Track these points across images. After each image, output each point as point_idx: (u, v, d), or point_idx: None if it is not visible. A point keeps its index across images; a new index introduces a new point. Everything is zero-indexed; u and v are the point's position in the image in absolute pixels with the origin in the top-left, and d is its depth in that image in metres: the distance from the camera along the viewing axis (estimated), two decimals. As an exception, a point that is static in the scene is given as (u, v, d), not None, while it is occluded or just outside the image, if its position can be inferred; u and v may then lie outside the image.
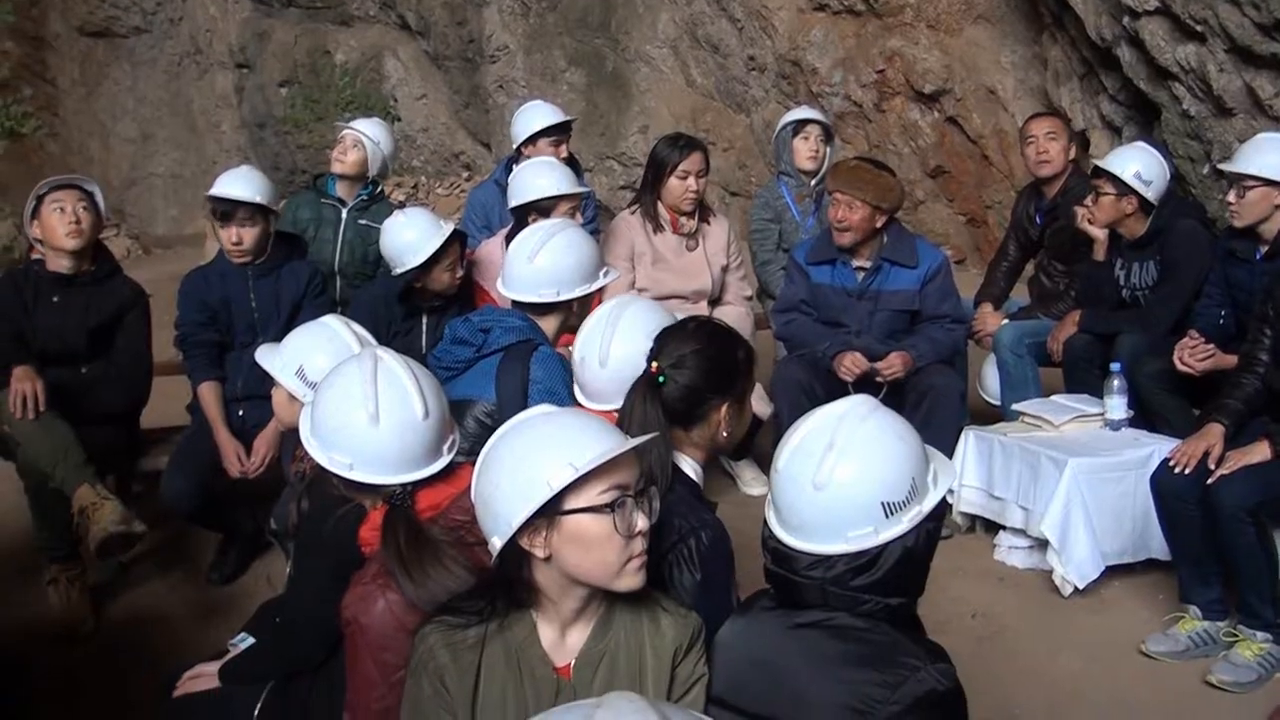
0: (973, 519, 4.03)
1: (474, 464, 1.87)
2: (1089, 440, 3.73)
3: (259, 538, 3.82)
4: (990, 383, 4.56)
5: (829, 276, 4.20)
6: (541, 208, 3.92)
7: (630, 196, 8.74)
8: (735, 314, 4.43)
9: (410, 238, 3.78)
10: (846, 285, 4.17)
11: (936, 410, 3.97)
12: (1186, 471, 3.17)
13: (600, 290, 3.11)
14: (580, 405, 2.48)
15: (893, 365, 4.06)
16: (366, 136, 4.65)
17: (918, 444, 1.87)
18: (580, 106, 9.56)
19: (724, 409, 2.21)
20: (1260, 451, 3.08)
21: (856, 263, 4.20)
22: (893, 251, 4.17)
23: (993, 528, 3.93)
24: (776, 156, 5.15)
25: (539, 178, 4.00)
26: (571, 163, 4.55)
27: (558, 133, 4.65)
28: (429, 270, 3.79)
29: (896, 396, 4.06)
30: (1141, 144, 4.20)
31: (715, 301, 4.53)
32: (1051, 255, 4.56)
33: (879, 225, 4.14)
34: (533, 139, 4.60)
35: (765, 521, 1.88)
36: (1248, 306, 3.59)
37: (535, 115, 4.69)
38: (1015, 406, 4.08)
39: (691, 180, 4.35)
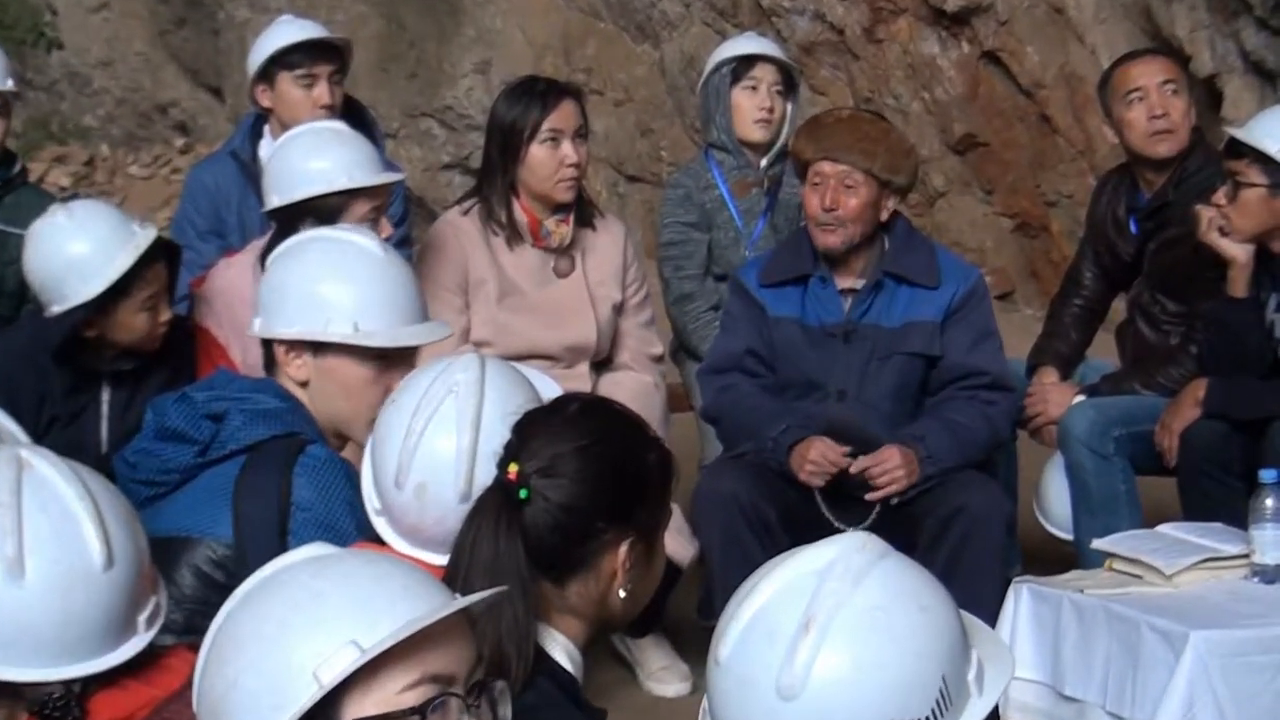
0: (1032, 733, 4.06)
1: (194, 648, 1.85)
2: (1225, 601, 3.74)
3: None
4: (1055, 502, 4.62)
5: (797, 305, 4.27)
6: (321, 209, 3.94)
7: (462, 183, 8.65)
8: (636, 386, 4.46)
9: (78, 253, 3.77)
10: (826, 319, 4.24)
11: (969, 550, 4.02)
12: None
13: (414, 350, 3.15)
14: (379, 546, 2.53)
15: (888, 470, 4.08)
16: None
17: (951, 617, 1.86)
18: (375, 28, 9.57)
19: (622, 550, 2.24)
20: None
21: (842, 282, 4.27)
22: (900, 262, 4.24)
23: (1066, 746, 3.94)
24: (704, 117, 5.19)
25: (314, 157, 4.03)
26: (357, 123, 4.53)
27: (319, 60, 4.65)
28: (111, 309, 3.78)
29: (903, 523, 4.07)
30: (1311, 105, 4.35)
31: (604, 363, 4.56)
32: (1158, 287, 4.66)
33: (885, 217, 4.22)
34: (268, 71, 4.64)
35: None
36: None
37: (276, 34, 4.73)
38: (1098, 544, 4.07)
39: (567, 147, 4.39)
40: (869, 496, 4.13)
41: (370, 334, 3.08)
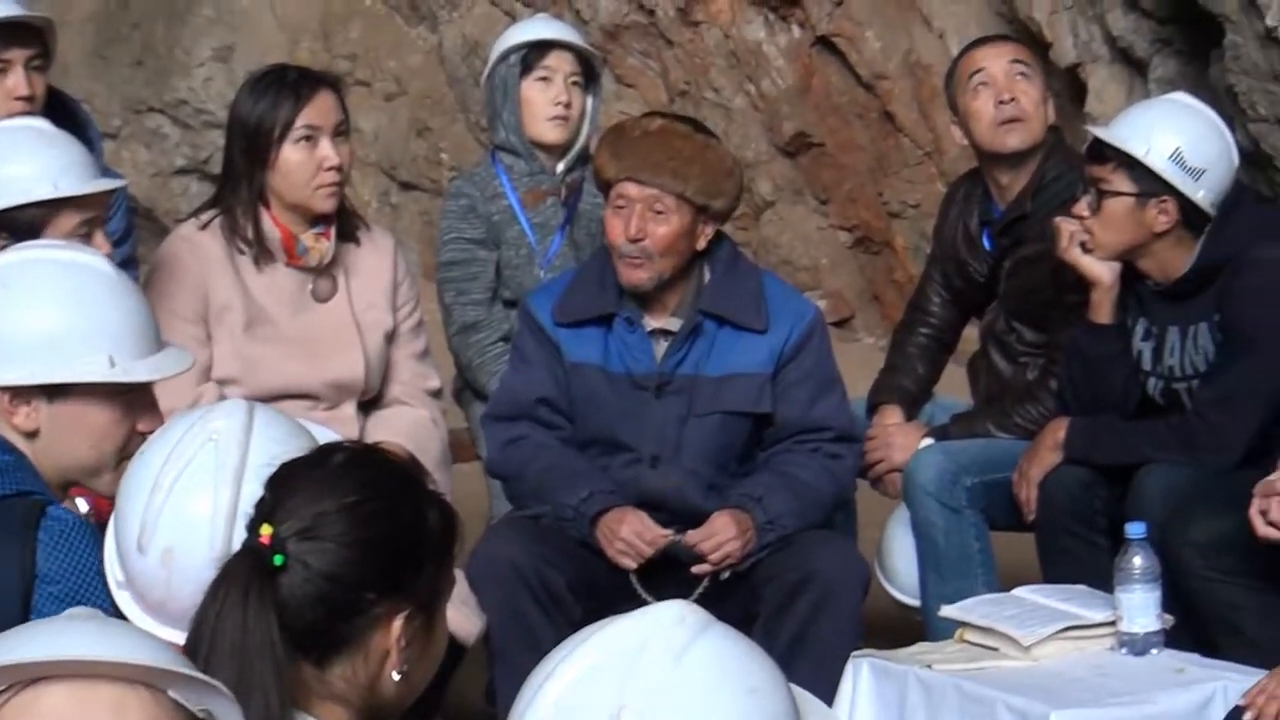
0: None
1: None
2: (1089, 676, 3.83)
3: None
4: (900, 563, 4.69)
5: (599, 349, 4.28)
6: (19, 223, 3.87)
7: (199, 191, 8.52)
8: (410, 423, 4.47)
9: None
10: (634, 368, 4.26)
11: (820, 621, 4.06)
12: None
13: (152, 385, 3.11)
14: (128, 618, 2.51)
15: (719, 544, 4.12)
16: None
17: (784, 700, 1.89)
18: (90, 6, 9.43)
19: (396, 625, 2.23)
20: None
21: (653, 322, 4.30)
22: (722, 300, 4.27)
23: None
24: (490, 114, 5.20)
25: (9, 161, 3.94)
26: (65, 120, 4.46)
27: (12, 43, 4.55)
28: None
29: (740, 591, 4.12)
30: (1184, 98, 4.46)
31: (372, 402, 4.55)
32: (1014, 314, 4.77)
33: (702, 246, 4.25)
34: None
35: None
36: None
37: None
38: (947, 611, 4.17)
39: (326, 147, 4.37)
40: (696, 570, 4.16)
41: (128, 369, 3.05)
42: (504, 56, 5.13)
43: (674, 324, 4.28)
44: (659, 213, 4.17)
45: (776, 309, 4.30)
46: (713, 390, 4.24)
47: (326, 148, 4.34)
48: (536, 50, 5.10)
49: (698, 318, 4.25)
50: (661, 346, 4.27)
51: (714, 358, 4.26)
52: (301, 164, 4.35)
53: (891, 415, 4.84)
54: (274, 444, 2.51)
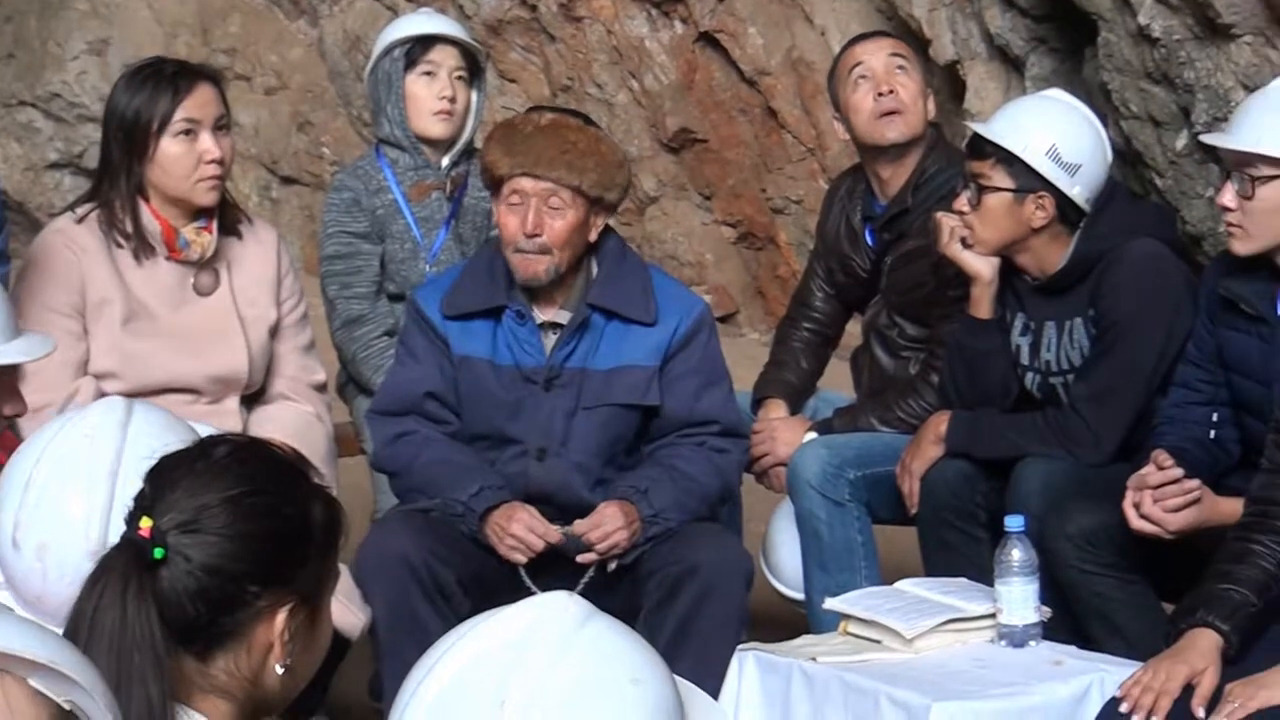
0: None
1: None
2: (970, 668, 3.87)
3: None
4: (784, 556, 4.72)
5: (488, 343, 4.29)
6: None
7: (74, 185, 8.46)
8: (295, 419, 4.46)
9: None
10: (523, 361, 4.27)
11: (703, 614, 4.08)
12: None
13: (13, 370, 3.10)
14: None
15: (606, 533, 4.14)
16: None
17: (666, 689, 1.90)
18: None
19: (279, 618, 2.22)
20: None
21: (542, 314, 4.30)
22: (610, 293, 4.29)
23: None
24: (374, 109, 5.19)
25: None
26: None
27: None
28: None
29: (623, 585, 4.14)
30: (1061, 95, 4.51)
31: (255, 397, 4.53)
32: (896, 308, 4.80)
33: (594, 237, 4.28)
34: None
35: None
36: (1260, 405, 3.86)
37: None
38: (831, 604, 4.19)
39: (206, 140, 4.33)
40: (581, 558, 4.16)
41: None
42: (387, 51, 5.11)
43: (563, 317, 4.28)
44: (555, 207, 4.18)
45: (665, 302, 4.32)
46: (601, 383, 4.25)
47: (207, 141, 4.32)
48: (420, 45, 5.09)
49: (586, 311, 4.26)
50: (550, 340, 4.28)
51: (602, 351, 4.27)
52: (181, 157, 4.31)
53: (776, 410, 4.87)
54: (152, 439, 2.49)
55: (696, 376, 4.31)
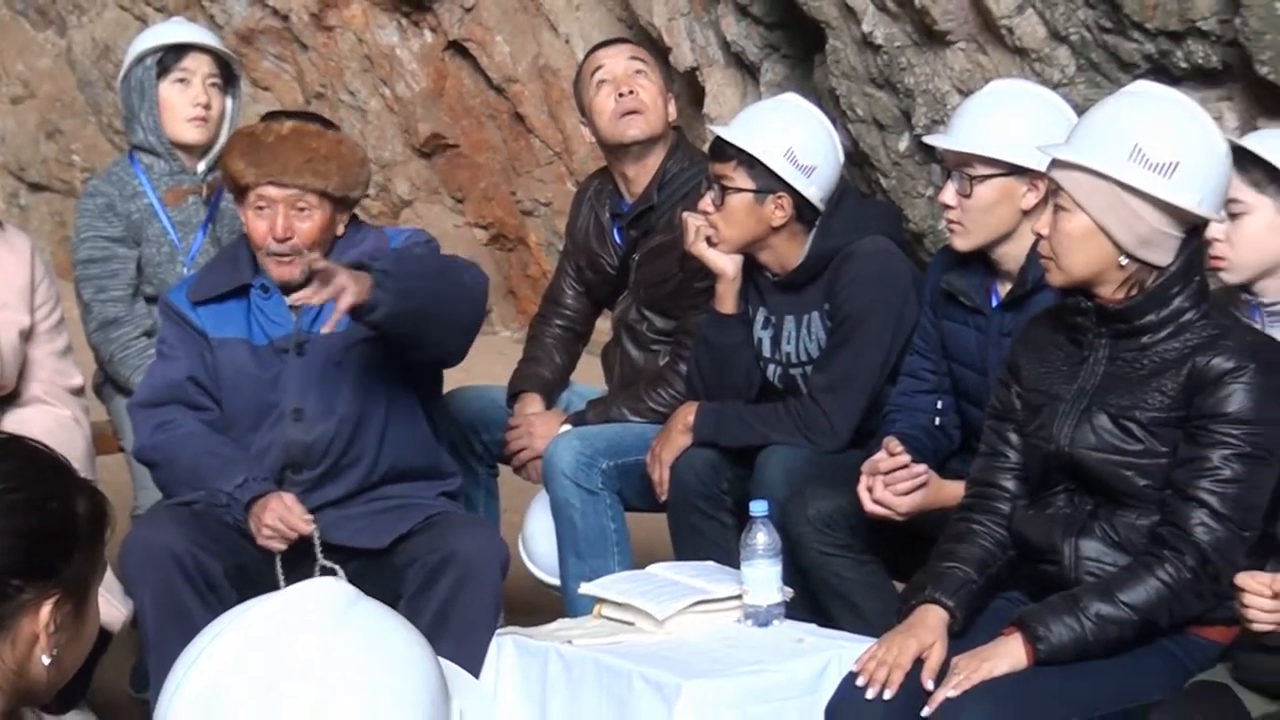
0: (518, 800, 4.15)
1: None
2: (718, 647, 3.89)
3: None
4: (541, 544, 4.75)
5: (242, 324, 4.29)
6: None
7: None
8: (51, 422, 4.40)
9: None
10: (273, 333, 4.27)
11: (461, 600, 4.09)
12: (886, 696, 3.37)
13: None
14: None
15: (340, 287, 3.93)
16: None
17: (430, 667, 1.92)
18: None
19: (44, 610, 2.19)
20: (1009, 654, 3.33)
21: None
22: (350, 252, 4.27)
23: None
24: (127, 116, 5.12)
25: None
26: None
27: None
28: None
29: (383, 573, 4.15)
30: (795, 99, 4.57)
31: (9, 398, 4.47)
32: (644, 303, 4.85)
33: (340, 233, 4.30)
34: None
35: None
36: (978, 393, 3.95)
37: None
38: (585, 588, 4.22)
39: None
40: (296, 299, 4.04)
41: None
42: (140, 59, 5.05)
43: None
44: (302, 209, 4.19)
45: (394, 240, 4.36)
46: (346, 339, 4.22)
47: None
48: (173, 53, 5.04)
49: None
50: (294, 312, 4.25)
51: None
52: None
53: (531, 404, 4.90)
54: None
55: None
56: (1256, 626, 3.10)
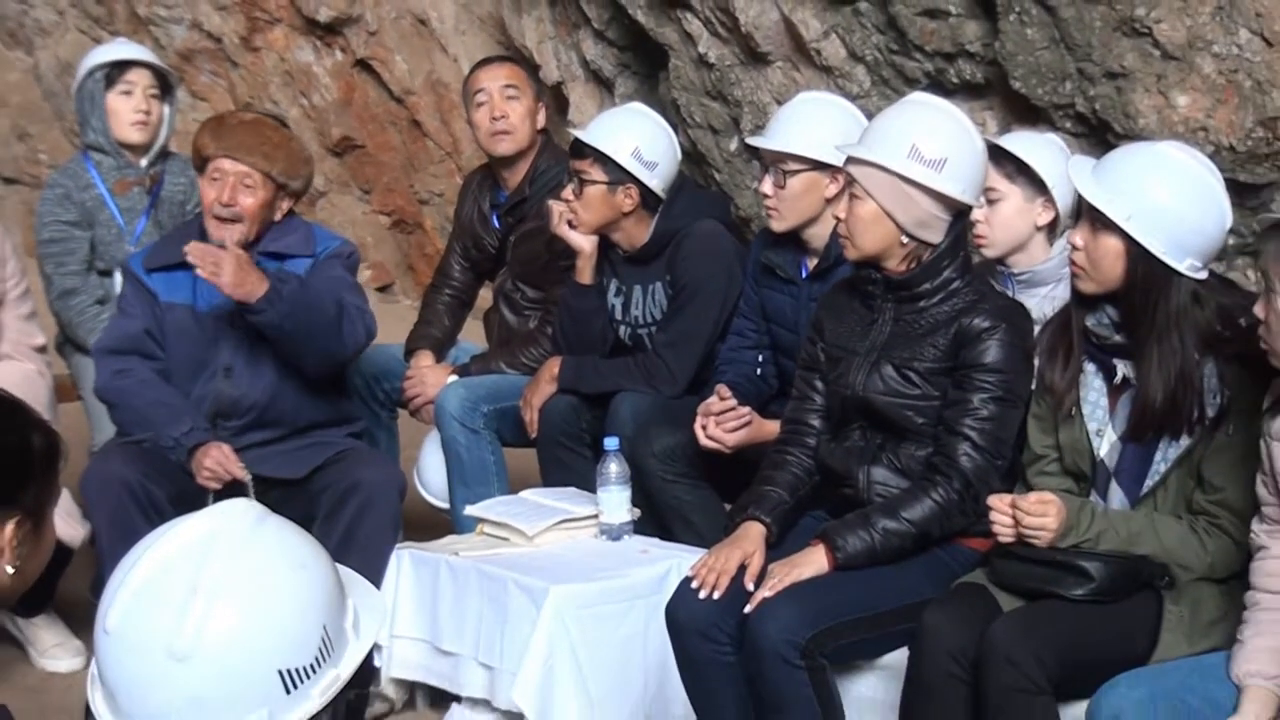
0: (411, 687, 4.15)
1: None
2: (579, 558, 3.95)
3: None
4: (433, 474, 4.75)
5: (189, 291, 4.26)
6: None
7: None
8: (18, 374, 4.36)
9: None
10: (216, 301, 4.22)
11: (365, 521, 4.11)
12: (715, 596, 3.41)
13: None
14: None
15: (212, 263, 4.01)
16: None
17: (327, 571, 1.92)
18: None
19: (8, 528, 2.18)
20: (815, 561, 3.37)
21: None
22: (281, 242, 4.28)
23: (443, 698, 4.05)
24: (81, 120, 5.06)
25: None
26: None
27: None
28: None
29: (299, 498, 4.16)
30: (640, 108, 4.60)
31: (-17, 359, 4.39)
32: (519, 276, 4.86)
33: (279, 218, 4.30)
34: None
35: (87, 714, 1.89)
36: (791, 348, 3.99)
37: None
38: (470, 510, 4.25)
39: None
40: (190, 255, 4.04)
41: None
42: (91, 73, 5.01)
43: None
44: (248, 185, 4.19)
45: (320, 240, 4.35)
46: None
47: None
48: (119, 68, 5.01)
49: (258, 257, 4.21)
50: None
51: None
52: None
53: (424, 359, 4.89)
54: None
55: (334, 266, 4.29)
56: (1001, 538, 3.16)
